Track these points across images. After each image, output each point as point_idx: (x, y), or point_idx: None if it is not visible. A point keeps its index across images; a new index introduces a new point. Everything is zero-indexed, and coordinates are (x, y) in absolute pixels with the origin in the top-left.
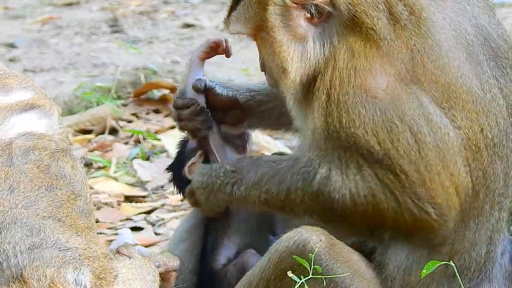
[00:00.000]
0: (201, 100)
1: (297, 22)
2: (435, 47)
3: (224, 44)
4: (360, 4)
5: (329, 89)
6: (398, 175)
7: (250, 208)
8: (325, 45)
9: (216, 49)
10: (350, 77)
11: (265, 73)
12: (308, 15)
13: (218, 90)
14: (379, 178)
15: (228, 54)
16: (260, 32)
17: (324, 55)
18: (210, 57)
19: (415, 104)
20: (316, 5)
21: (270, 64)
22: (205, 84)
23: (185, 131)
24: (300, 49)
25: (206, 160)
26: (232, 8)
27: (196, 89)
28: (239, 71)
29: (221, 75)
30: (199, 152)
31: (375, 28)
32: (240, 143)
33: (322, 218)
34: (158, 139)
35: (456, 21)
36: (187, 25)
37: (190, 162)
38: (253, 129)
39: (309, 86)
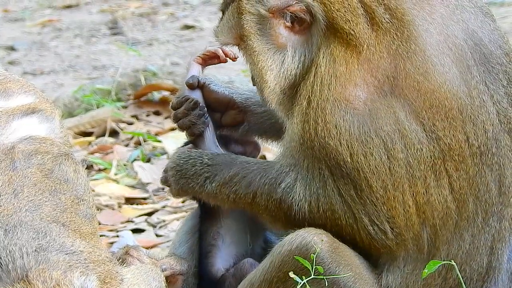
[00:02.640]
0: (197, 96)
1: (278, 31)
2: (418, 52)
3: (221, 54)
4: (337, 10)
5: (310, 95)
6: (362, 190)
7: (218, 204)
8: (307, 53)
9: (213, 57)
10: (331, 84)
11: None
12: (288, 23)
13: (213, 87)
14: (341, 194)
15: (233, 59)
16: (242, 41)
17: (306, 63)
18: (209, 64)
19: (392, 119)
20: (294, 14)
21: (253, 74)
22: (198, 80)
23: (184, 131)
24: (280, 58)
25: None
26: (220, 19)
27: (189, 85)
28: (239, 72)
29: (222, 77)
30: (189, 146)
31: (354, 33)
32: (248, 151)
33: (285, 225)
34: (159, 141)
35: (443, 25)
36: (187, 27)
37: None
38: (252, 135)
39: (294, 92)
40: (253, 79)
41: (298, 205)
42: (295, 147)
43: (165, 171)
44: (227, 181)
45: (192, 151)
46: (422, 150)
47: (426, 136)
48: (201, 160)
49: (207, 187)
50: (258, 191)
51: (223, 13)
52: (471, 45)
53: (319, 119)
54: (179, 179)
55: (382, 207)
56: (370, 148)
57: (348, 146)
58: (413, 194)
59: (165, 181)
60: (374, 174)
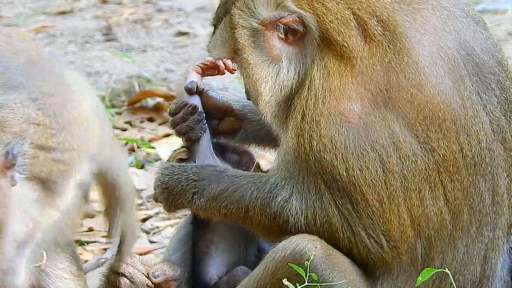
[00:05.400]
0: (195, 102)
1: (271, 43)
2: (411, 64)
3: (221, 65)
4: (330, 22)
5: (304, 108)
6: (358, 203)
7: (210, 217)
8: (301, 64)
9: (212, 68)
10: (325, 98)
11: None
12: (282, 35)
13: (212, 93)
14: (338, 207)
15: (231, 71)
16: (236, 55)
17: (300, 75)
18: (207, 75)
19: (387, 132)
20: (287, 25)
21: (248, 87)
22: (197, 86)
23: (181, 136)
24: (275, 70)
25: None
26: (213, 33)
27: (188, 90)
28: (233, 79)
29: (216, 83)
30: (182, 149)
31: (347, 45)
32: (243, 161)
33: (279, 238)
34: (153, 147)
35: (436, 36)
36: (181, 33)
37: (171, 156)
38: (249, 142)
39: (288, 105)
40: (247, 93)
41: (294, 218)
42: (290, 160)
43: (154, 188)
44: (216, 196)
45: (175, 165)
46: (416, 162)
47: (421, 148)
48: (186, 175)
49: (195, 202)
50: (251, 205)
51: (216, 28)
52: (464, 55)
53: (314, 133)
54: (168, 197)
55: (378, 220)
56: (365, 161)
57: (343, 160)
58: (408, 206)
59: (155, 198)
60: (370, 187)
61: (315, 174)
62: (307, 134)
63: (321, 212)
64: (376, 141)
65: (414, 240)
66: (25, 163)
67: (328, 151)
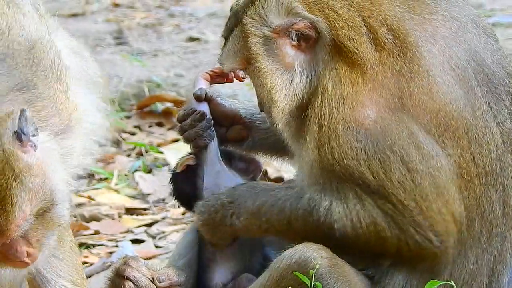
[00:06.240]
0: (203, 109)
1: (284, 51)
2: (421, 72)
3: (231, 74)
4: (342, 28)
5: (319, 118)
6: (394, 204)
7: (254, 236)
8: (313, 72)
9: (221, 76)
10: (339, 106)
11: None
12: (295, 42)
13: (220, 100)
14: (380, 207)
15: (241, 79)
16: (249, 64)
17: (312, 82)
18: (216, 83)
19: (405, 133)
20: (299, 32)
21: (261, 96)
22: (206, 93)
23: (189, 142)
24: (289, 78)
25: (195, 173)
26: (224, 45)
27: (197, 97)
28: (242, 86)
29: (225, 90)
30: (190, 156)
31: (357, 52)
32: (250, 169)
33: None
34: (161, 152)
35: (446, 46)
36: (192, 39)
37: (179, 163)
38: (256, 151)
39: (302, 114)
40: (260, 104)
41: (339, 224)
42: (317, 173)
43: (201, 231)
44: (255, 211)
45: (208, 198)
46: (441, 162)
47: (442, 150)
48: (221, 201)
49: (235, 223)
50: (292, 216)
51: (227, 39)
52: (474, 66)
53: (334, 142)
54: (213, 231)
55: (419, 218)
56: (387, 164)
57: (367, 166)
58: (444, 202)
59: (211, 243)
60: (399, 188)
61: (346, 181)
62: (327, 144)
63: (364, 214)
64: (394, 143)
65: (457, 235)
66: (35, 127)
67: (351, 158)
